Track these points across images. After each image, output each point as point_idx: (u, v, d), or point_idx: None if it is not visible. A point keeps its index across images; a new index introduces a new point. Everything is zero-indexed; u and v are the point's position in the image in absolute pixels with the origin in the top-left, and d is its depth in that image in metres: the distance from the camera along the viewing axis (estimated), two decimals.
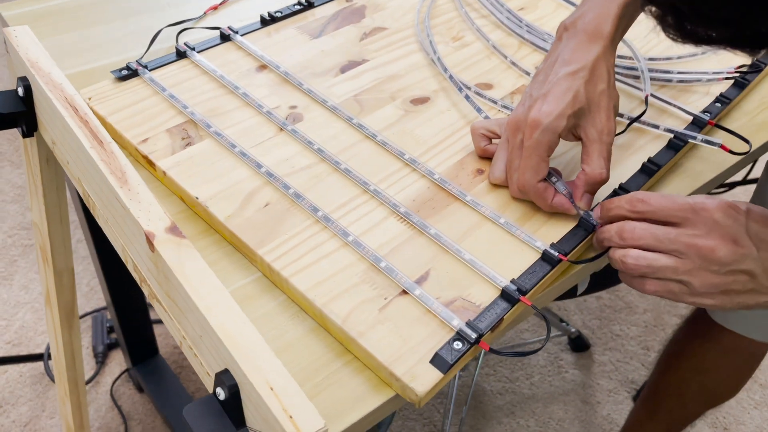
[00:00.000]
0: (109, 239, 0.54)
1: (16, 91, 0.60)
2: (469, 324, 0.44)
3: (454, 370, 0.43)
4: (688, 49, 0.75)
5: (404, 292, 0.47)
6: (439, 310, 0.45)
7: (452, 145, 0.60)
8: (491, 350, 0.44)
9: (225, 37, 0.69)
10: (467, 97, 0.63)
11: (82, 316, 1.35)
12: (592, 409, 1.32)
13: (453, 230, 0.52)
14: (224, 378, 0.40)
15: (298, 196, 0.52)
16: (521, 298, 0.47)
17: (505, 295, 0.47)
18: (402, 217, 0.52)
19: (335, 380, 0.43)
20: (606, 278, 0.93)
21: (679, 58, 0.73)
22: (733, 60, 0.74)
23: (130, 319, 1.15)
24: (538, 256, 0.50)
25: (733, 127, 0.68)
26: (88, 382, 1.25)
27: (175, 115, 0.59)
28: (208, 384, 0.44)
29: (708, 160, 0.63)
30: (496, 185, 0.56)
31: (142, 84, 0.62)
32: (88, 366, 1.28)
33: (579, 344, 1.40)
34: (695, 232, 0.44)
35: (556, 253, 0.49)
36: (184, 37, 0.69)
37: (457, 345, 0.43)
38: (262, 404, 0.38)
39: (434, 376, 0.42)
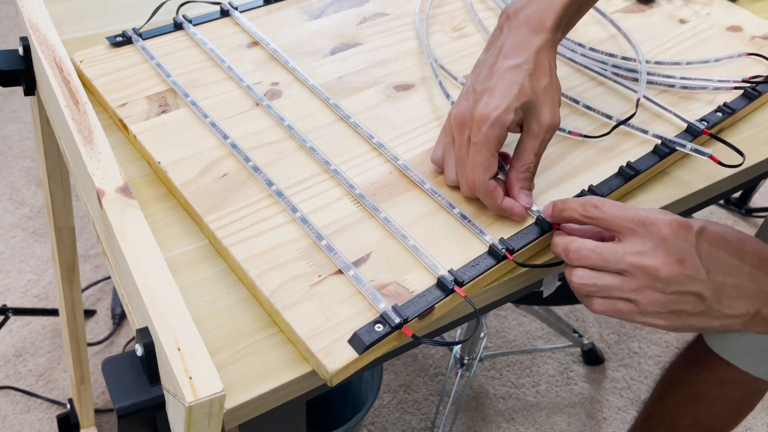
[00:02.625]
0: (80, 196, 0.56)
1: (17, 50, 0.64)
2: (395, 308, 0.44)
3: (373, 353, 0.43)
4: (698, 55, 0.71)
5: (339, 271, 0.47)
6: (368, 292, 0.45)
7: (425, 133, 0.59)
8: (414, 337, 0.44)
9: (224, 13, 0.70)
10: (440, 83, 0.62)
11: (106, 278, 1.41)
12: (597, 424, 1.28)
13: (405, 216, 0.51)
14: (142, 335, 0.41)
15: (257, 169, 0.53)
16: (456, 288, 0.46)
17: (440, 284, 0.46)
18: (355, 199, 0.52)
19: (255, 350, 0.44)
20: None
21: (688, 63, 0.69)
22: (748, 71, 0.70)
23: None
24: (485, 249, 0.49)
25: (738, 139, 0.64)
26: (103, 341, 1.30)
27: (158, 83, 0.60)
28: None
29: (699, 171, 0.60)
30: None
31: (134, 51, 0.64)
32: (106, 326, 1.34)
33: (592, 357, 1.36)
34: (641, 248, 0.43)
35: (503, 249, 0.48)
36: (186, 11, 0.71)
37: (378, 327, 0.43)
38: (167, 363, 0.39)
39: (349, 355, 0.42)
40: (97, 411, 1.19)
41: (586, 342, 1.34)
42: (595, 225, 0.46)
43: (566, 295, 0.57)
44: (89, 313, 1.35)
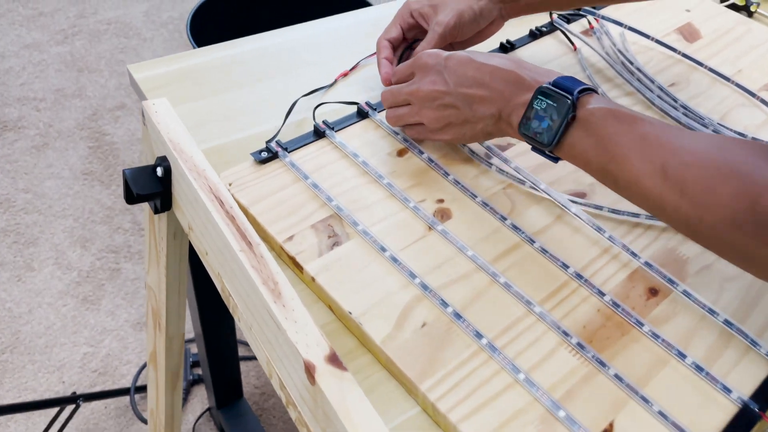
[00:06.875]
0: (249, 344, 0.51)
1: (153, 169, 0.58)
2: None
3: None
4: None
5: None
6: None
7: (618, 255, 0.54)
8: None
9: (362, 114, 0.65)
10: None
11: None
12: None
13: (633, 369, 0.46)
14: None
15: (458, 316, 0.48)
16: None
17: None
18: (573, 349, 0.47)
19: None
20: None
21: None
22: None
23: (218, 354, 1.12)
24: (736, 410, 0.44)
25: None
26: None
27: (319, 208, 0.55)
28: None
29: None
30: (674, 314, 0.50)
31: (282, 168, 0.58)
32: None
33: None
34: (414, 80, 0.59)
35: (757, 408, 0.43)
36: (319, 108, 0.66)
37: None
38: None
39: None
40: None
41: None
42: (401, 81, 0.61)
43: None
44: (143, 389, 1.29)
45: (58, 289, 1.43)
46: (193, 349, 1.33)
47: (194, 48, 1.17)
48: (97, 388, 1.26)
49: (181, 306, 0.72)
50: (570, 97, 0.49)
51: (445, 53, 0.57)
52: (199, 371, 1.30)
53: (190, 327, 1.29)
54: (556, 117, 0.49)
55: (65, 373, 1.29)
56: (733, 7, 0.89)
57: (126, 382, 1.28)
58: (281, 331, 0.44)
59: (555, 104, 0.49)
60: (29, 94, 1.91)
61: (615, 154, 0.47)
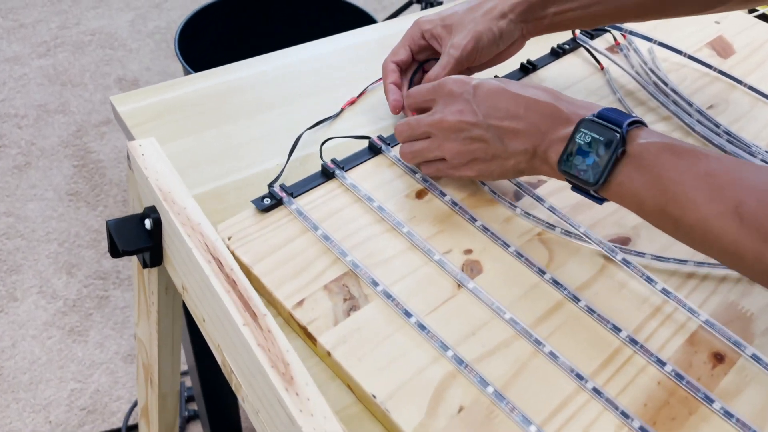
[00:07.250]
0: (256, 430, 0.44)
1: (141, 219, 0.51)
2: None
3: None
4: None
5: None
6: None
7: (673, 313, 0.47)
8: None
9: (374, 149, 0.58)
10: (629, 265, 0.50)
11: None
12: None
13: None
14: None
15: (500, 396, 0.41)
16: None
17: None
18: None
19: None
20: None
21: None
22: None
23: (214, 388, 1.05)
24: None
25: None
26: None
27: (332, 264, 0.48)
28: None
29: None
30: (745, 384, 0.43)
31: (288, 217, 0.51)
32: None
33: None
34: (436, 109, 0.52)
35: None
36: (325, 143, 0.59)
37: None
38: None
39: None
40: None
41: None
42: (417, 109, 0.55)
43: None
44: (135, 428, 1.21)
45: (43, 320, 1.35)
46: (188, 382, 1.26)
47: (180, 59, 1.10)
48: (86, 429, 1.18)
49: (174, 362, 0.65)
50: (619, 130, 0.43)
51: (474, 80, 0.51)
52: (194, 406, 1.22)
53: (183, 358, 1.22)
54: (603, 152, 0.44)
55: (52, 412, 1.21)
56: (763, 17, 0.83)
57: (117, 420, 1.20)
58: (295, 426, 0.37)
59: (601, 138, 0.44)
60: (10, 110, 1.82)
61: (675, 193, 0.41)
